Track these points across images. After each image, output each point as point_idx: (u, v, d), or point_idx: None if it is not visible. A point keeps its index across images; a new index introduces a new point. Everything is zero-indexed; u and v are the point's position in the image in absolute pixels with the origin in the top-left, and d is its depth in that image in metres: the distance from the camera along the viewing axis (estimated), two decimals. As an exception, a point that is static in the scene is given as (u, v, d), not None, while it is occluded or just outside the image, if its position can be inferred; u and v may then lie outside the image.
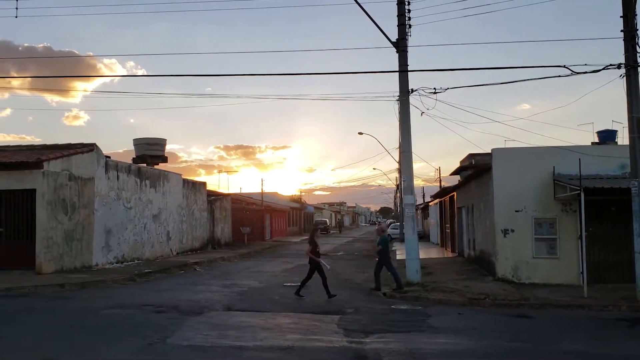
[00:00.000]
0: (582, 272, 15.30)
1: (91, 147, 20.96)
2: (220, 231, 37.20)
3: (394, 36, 16.94)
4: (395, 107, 17.74)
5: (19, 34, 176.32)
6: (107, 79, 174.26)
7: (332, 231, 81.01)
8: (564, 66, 13.71)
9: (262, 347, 9.06)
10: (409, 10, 17.06)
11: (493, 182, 16.66)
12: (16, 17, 15.37)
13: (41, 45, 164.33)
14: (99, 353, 8.54)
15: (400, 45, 16.89)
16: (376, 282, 16.09)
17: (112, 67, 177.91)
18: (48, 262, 18.10)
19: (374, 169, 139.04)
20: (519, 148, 17.16)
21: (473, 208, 21.44)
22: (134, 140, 28.76)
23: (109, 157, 22.77)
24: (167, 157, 29.18)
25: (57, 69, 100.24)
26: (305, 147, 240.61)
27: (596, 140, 21.93)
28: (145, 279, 18.68)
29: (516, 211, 16.41)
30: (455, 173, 39.69)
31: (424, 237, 52.12)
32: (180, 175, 30.42)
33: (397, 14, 17.05)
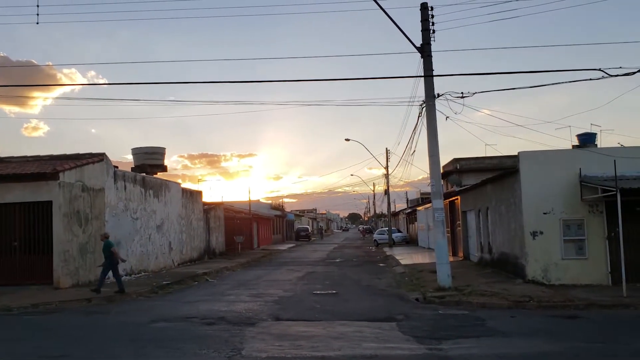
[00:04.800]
0: (614, 272, 15.65)
1: (101, 157, 20.41)
2: (215, 240, 36.67)
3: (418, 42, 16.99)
4: (409, 112, 17.71)
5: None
6: (67, 89, 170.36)
7: (313, 238, 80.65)
8: (599, 69, 13.89)
9: (345, 356, 8.86)
10: (433, 16, 17.11)
11: (521, 185, 16.77)
12: (37, 22, 14.84)
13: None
14: (185, 368, 8.22)
15: (425, 50, 16.91)
16: (99, 284, 16.58)
17: (72, 77, 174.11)
18: (65, 276, 17.51)
19: (352, 175, 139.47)
20: (545, 151, 17.31)
21: (488, 211, 21.55)
22: (132, 149, 28.15)
23: (117, 167, 22.19)
24: (166, 167, 28.60)
25: (15, 79, 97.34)
26: (271, 155, 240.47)
27: (576, 142, 22.35)
28: (166, 290, 18.23)
29: (544, 213, 16.56)
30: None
31: (410, 241, 52.36)
32: (180, 184, 29.93)
33: (420, 19, 17.08)
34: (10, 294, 15.59)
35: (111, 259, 16.68)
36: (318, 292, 17.32)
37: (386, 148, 50.61)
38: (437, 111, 16.97)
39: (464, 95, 16.72)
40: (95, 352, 9.41)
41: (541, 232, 16.57)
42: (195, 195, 32.80)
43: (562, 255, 16.45)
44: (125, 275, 21.66)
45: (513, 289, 15.44)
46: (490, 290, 15.21)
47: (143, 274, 23.12)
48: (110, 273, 17.03)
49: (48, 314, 13.56)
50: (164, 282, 19.43)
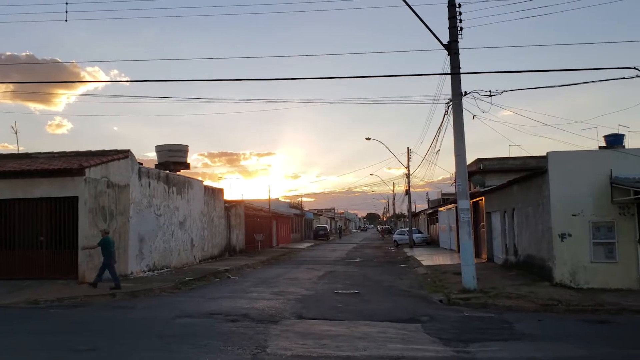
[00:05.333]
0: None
1: (126, 154, 20.53)
2: (235, 238, 36.76)
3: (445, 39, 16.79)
4: (431, 110, 17.49)
5: (0, 42, 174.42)
6: (91, 87, 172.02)
7: (331, 237, 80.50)
8: (634, 67, 13.57)
9: (371, 356, 8.75)
10: (460, 13, 16.89)
11: (549, 186, 16.45)
12: (66, 20, 14.95)
13: (24, 53, 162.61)
14: (211, 365, 8.18)
15: (452, 48, 16.69)
16: (97, 278, 16.48)
17: (95, 75, 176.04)
18: (90, 271, 17.62)
19: (371, 174, 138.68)
20: (574, 151, 16.99)
21: (514, 212, 21.23)
22: (156, 146, 28.41)
23: (142, 163, 22.33)
24: (189, 164, 28.77)
25: (39, 77, 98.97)
26: (290, 153, 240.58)
27: (603, 143, 21.96)
28: (189, 287, 18.28)
29: (573, 215, 16.22)
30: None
31: (431, 242, 51.92)
32: (202, 181, 30.05)
33: (448, 16, 16.88)
34: (36, 288, 15.78)
35: (108, 254, 16.46)
36: (339, 291, 17.21)
37: (407, 147, 50.36)
38: (463, 109, 16.78)
39: (491, 93, 16.46)
40: (123, 346, 9.43)
41: (570, 235, 16.24)
42: (216, 192, 32.90)
43: (591, 258, 16.10)
44: (148, 271, 21.85)
45: (540, 292, 15.16)
46: (517, 293, 14.94)
47: (165, 269, 23.24)
48: (103, 272, 16.67)
49: (74, 308, 13.67)
50: (187, 279, 19.50)
